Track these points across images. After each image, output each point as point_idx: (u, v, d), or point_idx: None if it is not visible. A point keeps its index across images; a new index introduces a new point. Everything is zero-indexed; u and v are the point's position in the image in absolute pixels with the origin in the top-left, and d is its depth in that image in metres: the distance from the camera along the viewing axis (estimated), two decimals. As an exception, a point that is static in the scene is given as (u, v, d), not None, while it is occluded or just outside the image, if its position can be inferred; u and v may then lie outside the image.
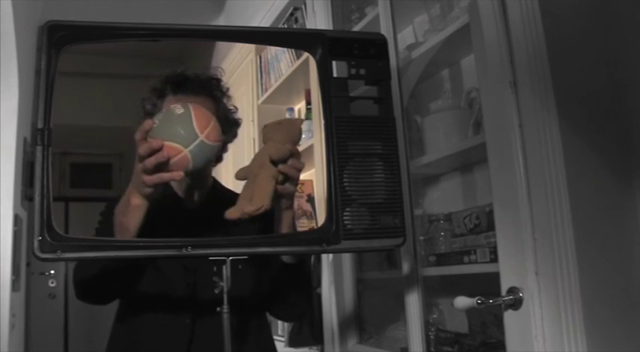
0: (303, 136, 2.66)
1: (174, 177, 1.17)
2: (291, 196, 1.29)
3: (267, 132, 1.30)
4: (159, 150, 1.14)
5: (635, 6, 1.32)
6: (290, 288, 1.43)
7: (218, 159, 1.56)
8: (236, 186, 1.46)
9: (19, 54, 1.39)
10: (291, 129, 1.30)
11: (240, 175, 1.25)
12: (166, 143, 1.14)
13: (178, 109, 1.18)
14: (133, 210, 1.21)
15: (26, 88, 1.43)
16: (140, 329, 1.40)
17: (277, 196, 1.26)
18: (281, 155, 1.25)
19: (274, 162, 1.24)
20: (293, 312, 1.56)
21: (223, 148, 1.54)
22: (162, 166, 1.15)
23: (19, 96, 1.40)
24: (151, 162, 1.14)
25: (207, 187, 1.51)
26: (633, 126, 1.32)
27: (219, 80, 1.51)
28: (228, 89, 1.54)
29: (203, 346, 1.36)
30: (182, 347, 1.36)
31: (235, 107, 1.55)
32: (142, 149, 1.15)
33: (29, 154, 1.22)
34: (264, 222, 1.33)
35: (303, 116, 2.87)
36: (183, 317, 1.38)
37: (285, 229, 1.32)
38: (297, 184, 1.30)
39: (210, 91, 1.47)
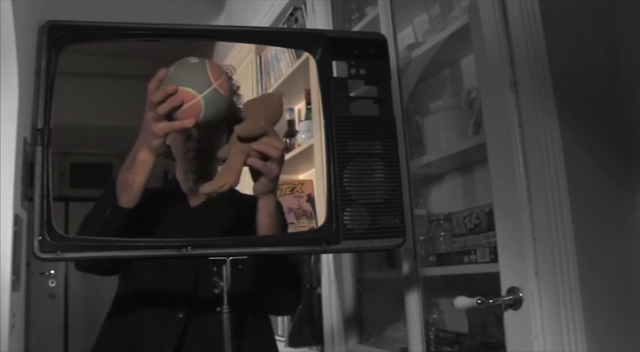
0: (303, 136, 2.67)
1: (186, 124, 1.15)
2: (272, 177, 1.24)
3: (246, 108, 1.27)
4: (173, 94, 1.13)
5: (634, 6, 1.32)
6: (276, 282, 1.41)
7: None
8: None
9: (19, 54, 1.39)
10: (271, 104, 1.27)
11: (222, 154, 1.23)
12: (181, 88, 1.13)
13: (193, 59, 1.18)
14: (139, 165, 1.20)
15: (26, 88, 1.43)
16: (132, 323, 1.39)
17: (257, 176, 1.24)
18: (249, 132, 1.21)
19: (243, 139, 1.21)
20: (280, 306, 1.52)
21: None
22: (174, 113, 1.14)
23: (19, 96, 1.40)
24: (164, 107, 1.13)
25: None
26: (633, 126, 1.32)
27: (230, 78, 1.51)
28: (238, 87, 1.54)
29: (196, 342, 1.35)
30: (172, 340, 1.35)
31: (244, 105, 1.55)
32: (156, 95, 1.13)
33: (29, 154, 1.23)
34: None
35: (303, 116, 2.87)
36: (176, 311, 1.37)
37: (264, 219, 1.27)
38: (281, 163, 1.24)
39: None
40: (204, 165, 1.46)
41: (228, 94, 1.19)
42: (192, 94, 1.14)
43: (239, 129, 1.22)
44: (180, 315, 1.37)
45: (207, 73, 1.16)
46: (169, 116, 1.15)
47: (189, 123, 1.15)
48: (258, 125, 1.22)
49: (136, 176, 1.21)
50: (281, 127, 2.93)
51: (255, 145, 1.21)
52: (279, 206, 1.37)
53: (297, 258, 1.55)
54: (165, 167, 1.52)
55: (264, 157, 1.22)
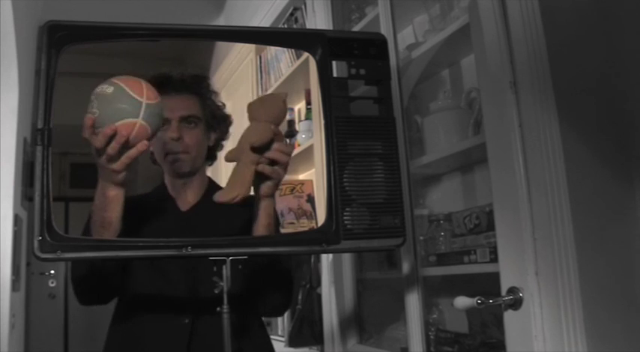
0: (303, 136, 2.67)
1: (140, 149, 1.15)
2: (277, 181, 1.26)
3: (250, 110, 1.27)
4: (114, 135, 1.12)
5: (634, 6, 1.32)
6: (267, 283, 1.41)
7: (212, 157, 1.55)
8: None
9: (19, 54, 1.39)
10: (275, 105, 1.27)
11: (229, 157, 1.24)
12: (118, 124, 1.12)
13: (107, 88, 1.15)
14: (111, 201, 1.20)
15: (26, 88, 1.43)
16: (139, 330, 1.39)
17: (262, 179, 1.24)
18: (262, 141, 1.21)
19: (255, 149, 1.21)
20: (271, 306, 1.51)
21: (217, 146, 1.54)
22: (125, 146, 1.14)
23: (19, 96, 1.40)
24: (113, 148, 1.13)
25: (202, 187, 1.50)
26: (633, 126, 1.32)
27: (204, 78, 1.51)
28: (213, 86, 1.54)
29: (202, 346, 1.36)
30: (182, 347, 1.36)
31: (223, 103, 1.55)
32: (98, 142, 1.13)
33: (29, 154, 1.23)
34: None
35: (303, 116, 2.87)
36: (182, 317, 1.38)
37: (264, 219, 1.28)
38: (286, 168, 1.26)
39: (194, 89, 1.47)
40: (187, 166, 1.46)
41: (158, 99, 1.18)
42: (131, 123, 1.13)
43: (252, 139, 1.21)
44: (186, 321, 1.37)
45: (130, 93, 1.14)
46: (121, 151, 1.14)
47: (143, 146, 1.15)
48: (269, 131, 1.22)
49: (112, 212, 1.21)
50: (281, 127, 2.92)
51: (268, 154, 1.22)
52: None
53: (289, 261, 1.55)
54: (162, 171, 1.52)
55: (273, 162, 1.23)
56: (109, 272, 1.34)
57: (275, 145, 1.23)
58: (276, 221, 1.40)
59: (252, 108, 1.27)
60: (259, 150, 1.22)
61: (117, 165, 1.15)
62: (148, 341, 1.38)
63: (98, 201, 1.22)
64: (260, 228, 1.29)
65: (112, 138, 1.12)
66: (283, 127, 2.90)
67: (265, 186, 1.26)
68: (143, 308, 1.41)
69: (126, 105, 1.14)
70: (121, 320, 1.45)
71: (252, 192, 1.26)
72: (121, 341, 1.43)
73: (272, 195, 1.29)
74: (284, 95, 1.30)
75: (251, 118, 1.25)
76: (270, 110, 1.25)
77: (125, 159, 1.15)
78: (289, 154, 1.25)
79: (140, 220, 1.33)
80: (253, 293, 1.43)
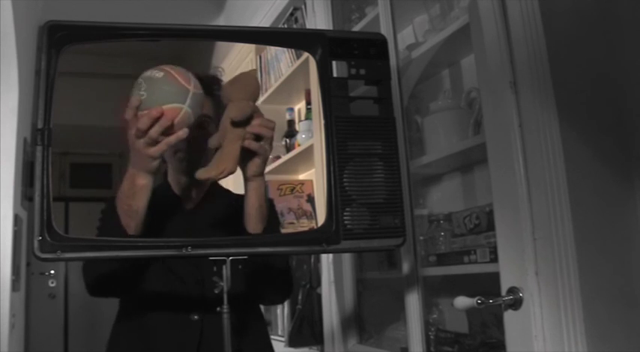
0: (303, 136, 2.67)
1: (181, 136, 1.15)
2: (265, 157, 1.26)
3: (225, 92, 1.27)
4: (159, 117, 1.12)
5: (634, 6, 1.32)
6: (260, 276, 1.40)
7: None
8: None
9: (19, 54, 1.39)
10: (247, 83, 1.27)
11: (213, 142, 1.24)
12: (165, 107, 1.13)
13: (157, 73, 1.16)
14: (140, 190, 1.20)
15: (26, 88, 1.43)
16: (148, 328, 1.38)
17: (249, 157, 1.24)
18: (242, 115, 1.21)
19: (236, 123, 1.22)
20: (271, 298, 1.50)
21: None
22: (165, 132, 1.14)
23: (19, 96, 1.40)
24: (156, 131, 1.13)
25: (205, 186, 1.50)
26: (633, 125, 1.32)
27: (218, 79, 1.51)
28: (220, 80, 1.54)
29: (212, 343, 1.35)
30: (193, 344, 1.35)
31: None
32: (142, 123, 1.12)
33: (29, 154, 1.22)
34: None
35: (303, 116, 2.87)
36: (191, 314, 1.38)
37: (256, 200, 1.28)
38: (272, 143, 1.26)
39: (210, 91, 1.47)
40: (195, 164, 1.46)
41: (201, 89, 1.19)
42: (178, 108, 1.14)
43: (232, 114, 1.21)
44: (196, 317, 1.37)
45: (179, 80, 1.15)
46: (161, 136, 1.15)
47: (184, 133, 1.15)
48: (247, 106, 1.22)
49: (139, 201, 1.21)
50: (281, 127, 2.93)
51: (250, 128, 1.22)
52: (268, 201, 1.36)
53: (286, 259, 1.54)
54: (165, 168, 1.51)
55: (258, 138, 1.23)
56: (125, 270, 1.33)
57: (256, 121, 1.23)
58: (272, 210, 1.39)
59: (226, 89, 1.28)
60: (241, 125, 1.22)
61: (154, 150, 1.15)
62: (159, 337, 1.37)
63: (126, 188, 1.21)
64: (252, 210, 1.28)
65: (156, 120, 1.12)
66: (283, 127, 2.91)
67: (253, 165, 1.25)
68: (152, 304, 1.40)
69: (175, 90, 1.14)
70: (128, 317, 1.45)
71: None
72: (129, 337, 1.42)
73: (261, 175, 1.28)
74: (254, 72, 1.31)
75: (227, 99, 1.26)
76: (244, 88, 1.25)
77: (163, 144, 1.15)
78: (272, 129, 1.24)
79: (145, 218, 1.33)
80: (254, 291, 1.42)
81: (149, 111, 1.13)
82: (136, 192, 1.20)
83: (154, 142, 1.15)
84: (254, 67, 3.19)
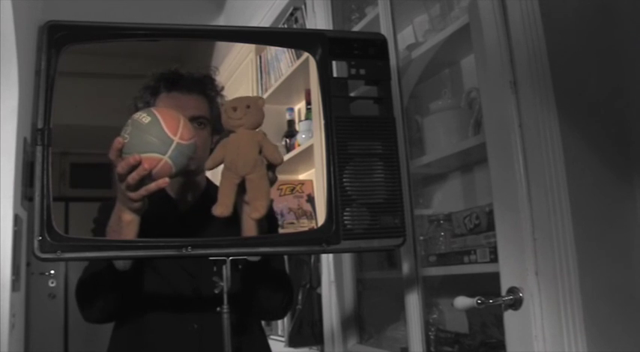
0: (303, 136, 2.67)
1: (160, 185, 1.15)
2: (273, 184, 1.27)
3: (236, 114, 1.24)
4: (138, 165, 1.12)
5: (634, 6, 1.32)
6: (258, 285, 1.40)
7: None
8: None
9: (19, 54, 1.39)
10: (259, 112, 1.25)
11: (246, 171, 1.22)
12: (143, 156, 1.12)
13: (145, 118, 1.15)
14: (126, 226, 1.20)
15: (26, 88, 1.43)
16: (147, 336, 1.38)
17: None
18: (281, 159, 1.23)
19: (270, 166, 1.22)
20: (268, 309, 1.49)
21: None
22: (146, 178, 1.14)
23: (19, 96, 1.40)
24: (134, 178, 1.13)
25: (200, 188, 1.50)
26: (633, 125, 1.32)
27: (212, 79, 1.50)
28: (222, 88, 1.53)
29: (211, 350, 1.35)
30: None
31: None
32: (121, 168, 1.13)
33: (29, 154, 1.22)
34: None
35: (303, 116, 2.87)
36: (190, 323, 1.38)
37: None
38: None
39: (203, 90, 1.46)
40: (192, 166, 1.45)
41: (192, 140, 1.18)
42: (157, 159, 1.13)
43: (272, 159, 1.22)
44: (195, 326, 1.37)
45: (164, 129, 1.14)
46: (142, 181, 1.14)
47: (163, 183, 1.15)
48: (271, 143, 1.23)
49: (127, 235, 1.21)
50: (281, 127, 2.93)
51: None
52: None
53: (283, 264, 1.54)
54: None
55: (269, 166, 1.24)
56: (112, 282, 1.33)
57: (269, 151, 1.23)
58: (270, 211, 1.39)
59: (238, 112, 1.24)
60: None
61: (134, 195, 1.16)
62: (159, 347, 1.37)
63: (113, 222, 1.22)
64: (252, 225, 1.26)
65: (134, 167, 1.12)
66: (283, 127, 2.91)
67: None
68: (149, 314, 1.40)
69: (156, 140, 1.13)
70: (125, 326, 1.44)
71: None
72: (128, 347, 1.42)
73: None
74: (262, 101, 1.29)
75: (236, 124, 1.23)
76: (255, 117, 1.24)
77: (143, 191, 1.15)
78: (282, 157, 1.26)
79: (142, 221, 1.33)
80: (253, 293, 1.42)
81: (127, 159, 1.12)
82: (122, 227, 1.20)
83: (134, 187, 1.15)
84: (254, 67, 3.19)
